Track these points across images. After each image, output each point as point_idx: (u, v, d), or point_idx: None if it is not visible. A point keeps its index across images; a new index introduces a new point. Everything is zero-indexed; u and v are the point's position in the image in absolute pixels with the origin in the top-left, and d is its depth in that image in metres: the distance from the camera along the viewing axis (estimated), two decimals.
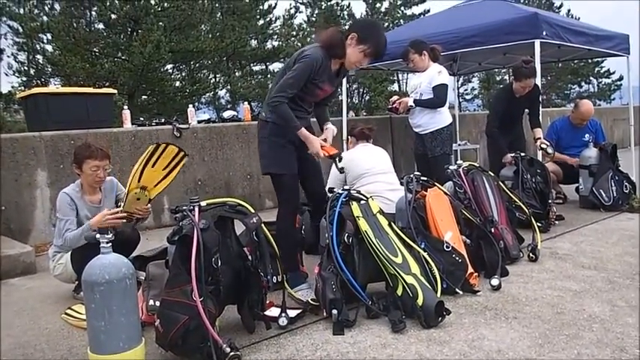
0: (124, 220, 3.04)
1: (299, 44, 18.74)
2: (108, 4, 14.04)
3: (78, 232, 2.95)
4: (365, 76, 20.49)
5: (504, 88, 5.99)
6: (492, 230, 3.34)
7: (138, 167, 2.86)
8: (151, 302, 2.55)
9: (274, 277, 2.72)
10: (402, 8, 23.88)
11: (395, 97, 4.77)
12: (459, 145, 7.67)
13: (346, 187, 2.91)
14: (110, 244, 2.07)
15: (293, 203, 3.03)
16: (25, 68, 16.45)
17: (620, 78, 26.15)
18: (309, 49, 2.84)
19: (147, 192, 2.98)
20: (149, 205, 3.08)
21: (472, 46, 5.72)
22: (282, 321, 2.48)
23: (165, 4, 14.55)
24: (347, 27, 3.02)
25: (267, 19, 21.13)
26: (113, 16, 14.31)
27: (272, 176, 3.00)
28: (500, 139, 4.82)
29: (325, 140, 2.95)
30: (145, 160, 2.86)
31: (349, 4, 22.33)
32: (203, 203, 2.35)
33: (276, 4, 21.17)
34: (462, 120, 8.75)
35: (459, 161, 3.93)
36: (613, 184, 4.95)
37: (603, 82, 27.85)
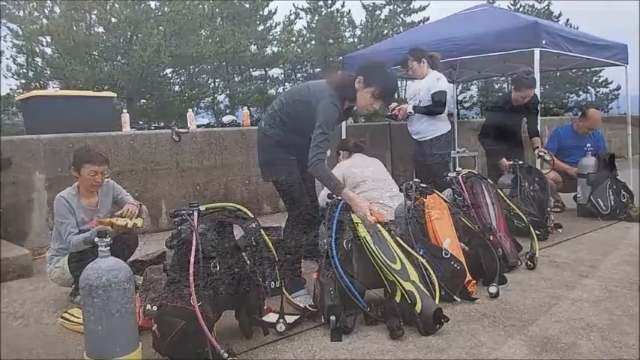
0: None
1: (298, 50, 18.76)
2: (108, 7, 14.05)
3: (84, 236, 2.94)
4: None
5: (503, 97, 6.03)
6: (491, 238, 3.35)
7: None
8: (149, 307, 2.54)
9: (272, 283, 2.72)
10: (402, 16, 23.94)
11: (394, 104, 4.78)
12: (458, 152, 7.68)
13: None
14: (108, 247, 2.07)
15: (301, 205, 2.99)
16: (24, 71, 16.43)
17: (618, 87, 26.23)
18: (325, 98, 2.76)
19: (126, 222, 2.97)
20: (141, 213, 3.07)
21: (471, 53, 5.74)
22: (280, 327, 2.47)
23: (166, 9, 14.58)
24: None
25: (267, 24, 21.17)
26: (113, 20, 14.33)
27: (276, 183, 3.00)
28: (491, 143, 4.92)
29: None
30: None
31: (349, 10, 22.37)
32: (202, 208, 2.35)
33: (276, 9, 21.23)
34: (461, 127, 8.77)
35: (458, 168, 3.94)
36: (611, 193, 4.97)
37: (601, 92, 27.95)
